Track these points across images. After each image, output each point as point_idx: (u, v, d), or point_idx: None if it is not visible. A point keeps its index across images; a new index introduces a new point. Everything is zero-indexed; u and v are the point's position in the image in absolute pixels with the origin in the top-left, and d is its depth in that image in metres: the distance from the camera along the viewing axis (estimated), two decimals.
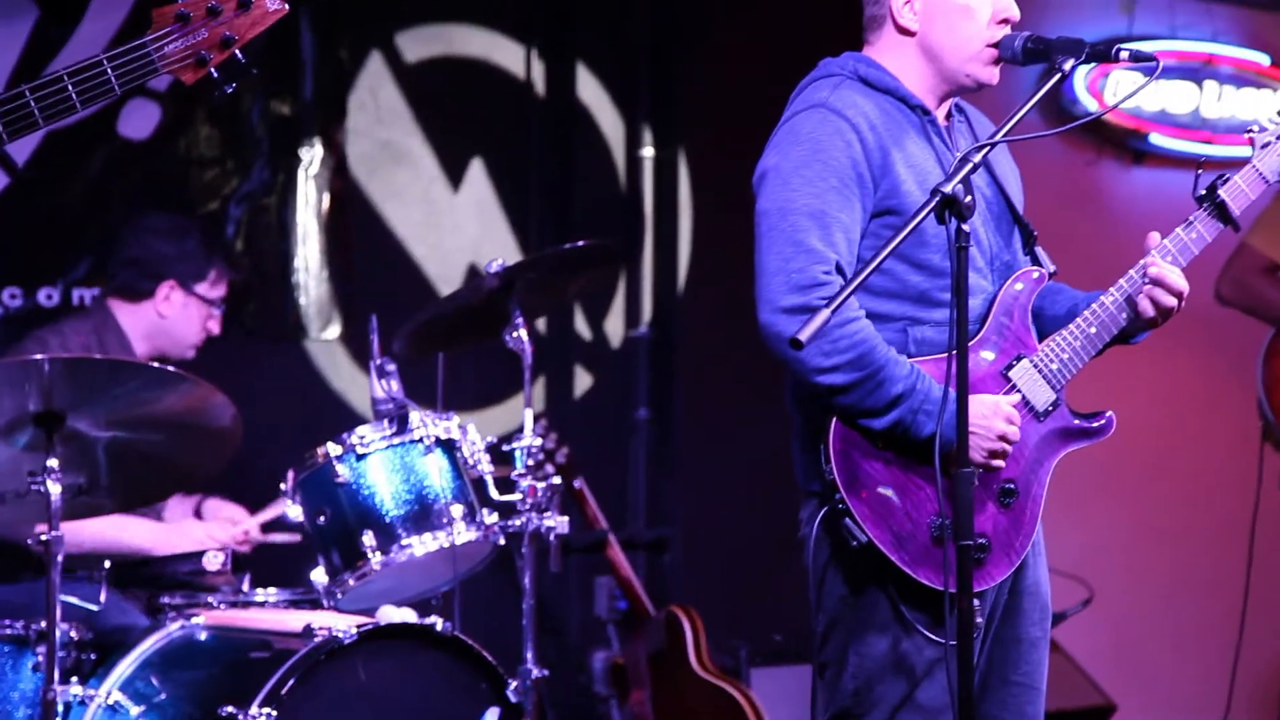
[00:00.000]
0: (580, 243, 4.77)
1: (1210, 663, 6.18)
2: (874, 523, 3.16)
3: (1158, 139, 7.48)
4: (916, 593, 3.19)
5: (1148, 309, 3.26)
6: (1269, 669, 5.75)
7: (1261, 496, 5.21)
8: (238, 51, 2.87)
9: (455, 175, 6.06)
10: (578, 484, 5.59)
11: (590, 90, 6.29)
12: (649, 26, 6.29)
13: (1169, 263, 3.27)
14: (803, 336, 2.92)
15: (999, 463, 3.19)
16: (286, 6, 2.87)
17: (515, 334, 4.47)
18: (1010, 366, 3.27)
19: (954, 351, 3.05)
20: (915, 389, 3.14)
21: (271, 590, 4.46)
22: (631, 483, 6.29)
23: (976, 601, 3.19)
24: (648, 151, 6.34)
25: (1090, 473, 6.77)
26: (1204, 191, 3.30)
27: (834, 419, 3.18)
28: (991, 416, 3.15)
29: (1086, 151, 7.47)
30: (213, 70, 2.90)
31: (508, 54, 6.13)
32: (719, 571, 6.30)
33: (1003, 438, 3.16)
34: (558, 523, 4.38)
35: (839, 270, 3.16)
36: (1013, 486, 3.24)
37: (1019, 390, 3.26)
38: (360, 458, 4.28)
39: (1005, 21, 3.30)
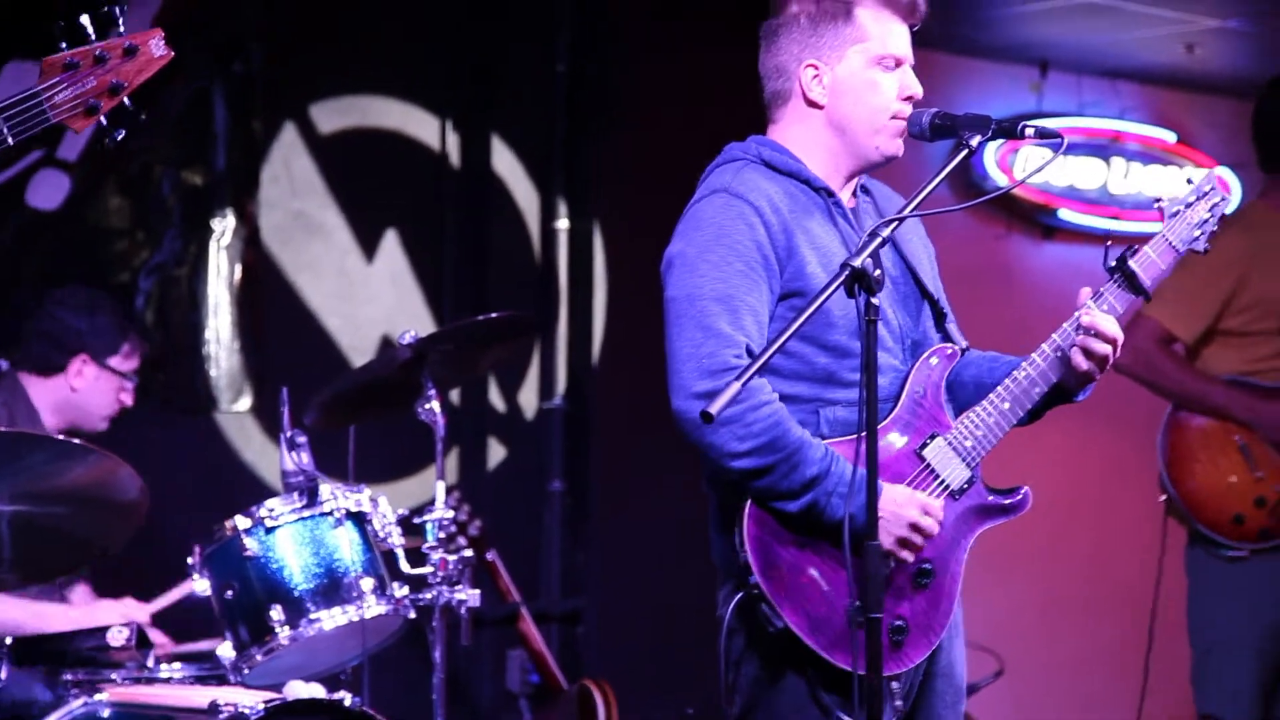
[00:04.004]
0: (494, 314, 4.75)
1: None
2: (790, 607, 3.15)
3: (1067, 214, 7.57)
4: (834, 677, 3.17)
5: (1081, 361, 3.26)
6: None
7: (1164, 569, 5.25)
8: (126, 99, 2.87)
9: (369, 246, 6.05)
10: (490, 556, 5.56)
11: (505, 162, 6.31)
12: (564, 99, 6.32)
13: (1106, 312, 3.28)
14: (713, 410, 2.92)
15: (907, 554, 3.18)
16: (172, 52, 2.88)
17: (428, 406, 4.45)
18: (924, 446, 3.27)
19: (881, 422, 3.07)
20: (830, 471, 3.14)
21: (177, 666, 4.40)
22: (545, 555, 6.27)
23: (896, 684, 3.19)
24: (563, 223, 6.35)
25: (1001, 544, 6.80)
26: (1114, 263, 3.33)
27: (748, 502, 3.17)
28: (905, 506, 3.15)
29: (997, 226, 7.55)
30: (102, 118, 2.91)
31: (423, 126, 6.14)
32: (633, 644, 6.28)
33: (915, 527, 3.16)
34: (469, 596, 4.35)
35: (749, 353, 3.15)
36: (929, 567, 3.24)
37: (933, 469, 3.26)
38: (269, 531, 4.24)
39: (910, 99, 3.32)
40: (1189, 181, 3.45)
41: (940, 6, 3.42)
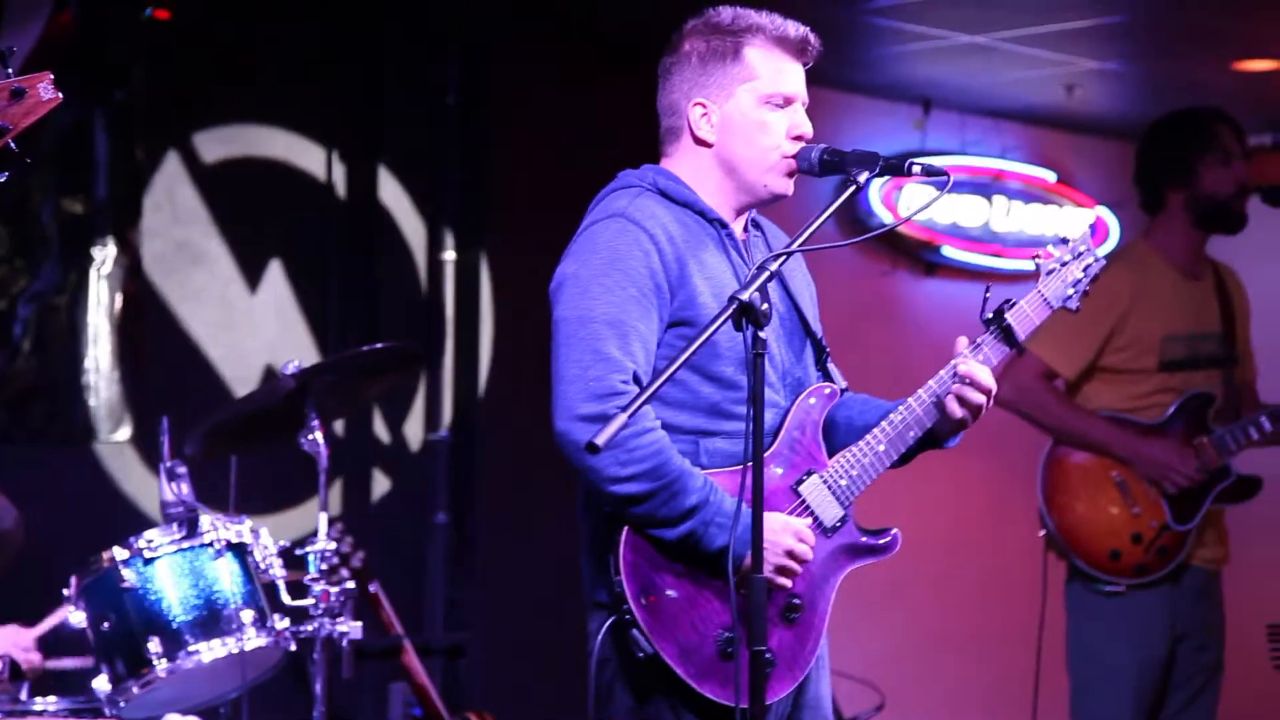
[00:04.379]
0: (379, 345, 4.73)
1: None
2: (660, 634, 3.15)
3: (950, 251, 7.65)
4: (702, 707, 3.18)
5: (956, 409, 3.29)
6: None
7: (1047, 605, 5.30)
8: (11, 142, 2.83)
9: (253, 276, 6.00)
10: (373, 588, 5.51)
11: (392, 193, 6.28)
12: (452, 130, 6.30)
13: (981, 363, 3.32)
14: (599, 441, 2.91)
15: (784, 580, 3.19)
16: (60, 96, 2.84)
17: (311, 436, 4.42)
18: (800, 482, 3.28)
19: (749, 464, 3.06)
20: (709, 501, 3.14)
21: (52, 699, 4.33)
22: (429, 588, 6.23)
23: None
24: (449, 255, 6.33)
25: (883, 579, 6.85)
26: (991, 315, 3.36)
27: (625, 529, 3.17)
28: (781, 533, 3.16)
29: (882, 263, 7.62)
30: None
31: (309, 156, 6.11)
32: (516, 677, 6.25)
33: (791, 554, 3.17)
34: (351, 628, 4.33)
35: (636, 380, 3.16)
36: (798, 602, 3.25)
37: (808, 505, 3.28)
38: (147, 562, 4.19)
39: (799, 138, 3.33)
40: (1064, 241, 3.48)
41: (826, 45, 3.43)
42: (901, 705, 6.75)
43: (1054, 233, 7.70)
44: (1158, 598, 5.17)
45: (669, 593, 3.17)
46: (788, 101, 3.32)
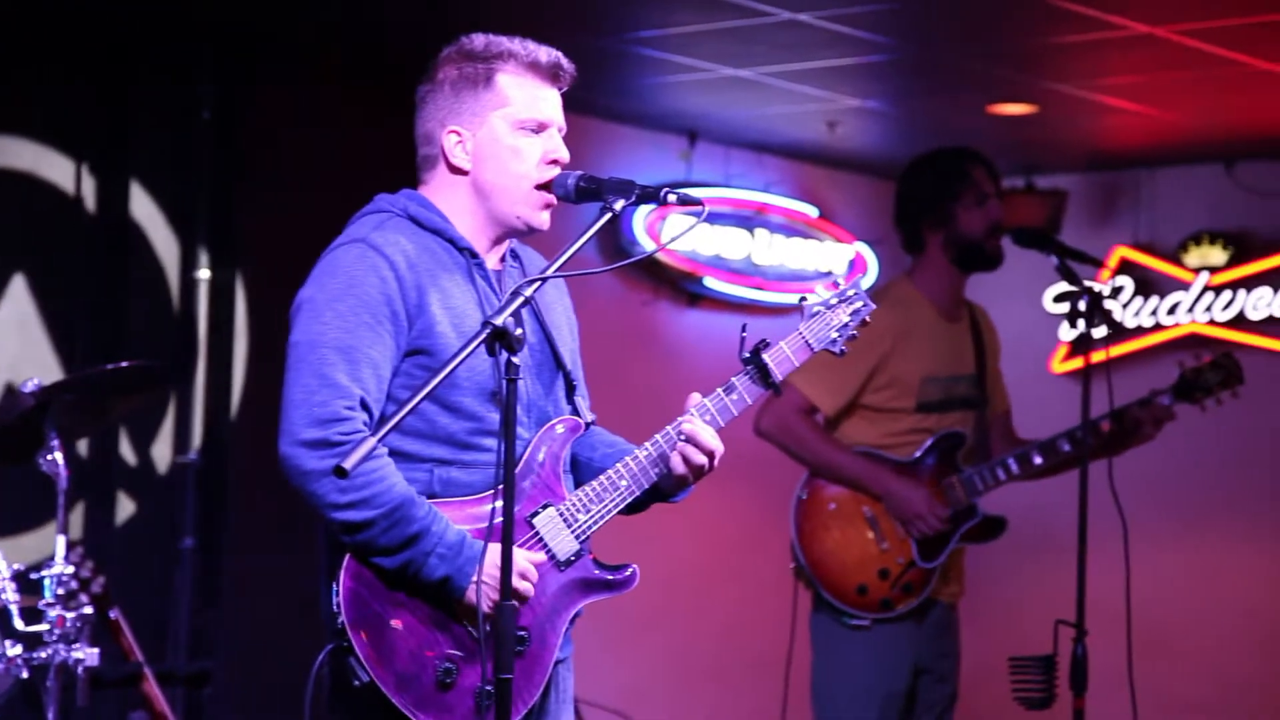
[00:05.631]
0: (124, 364, 4.60)
1: None
2: (377, 663, 3.12)
3: (712, 282, 7.71)
4: None
5: (679, 466, 3.29)
6: None
7: (796, 636, 5.35)
8: None
9: None
10: (114, 614, 5.36)
11: (144, 209, 6.13)
12: (208, 146, 6.17)
13: (707, 422, 3.32)
14: (347, 465, 2.92)
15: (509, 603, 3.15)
16: None
17: (50, 457, 4.31)
18: (536, 514, 3.27)
19: (483, 494, 3.09)
20: (430, 530, 3.13)
21: None
22: (174, 614, 6.08)
23: None
24: (203, 273, 6.20)
25: (636, 607, 6.86)
26: (748, 354, 3.35)
27: (347, 555, 3.15)
28: (498, 567, 3.13)
29: (644, 292, 7.65)
30: None
31: (56, 168, 5.93)
32: (263, 707, 6.12)
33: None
34: (87, 654, 4.23)
35: (364, 406, 3.15)
36: (525, 634, 3.22)
37: (540, 538, 3.26)
38: None
39: (555, 163, 3.32)
40: (836, 284, 3.48)
41: (590, 74, 3.43)
42: None
43: (815, 268, 7.88)
44: (902, 632, 5.24)
45: (389, 621, 3.14)
46: (542, 127, 3.31)
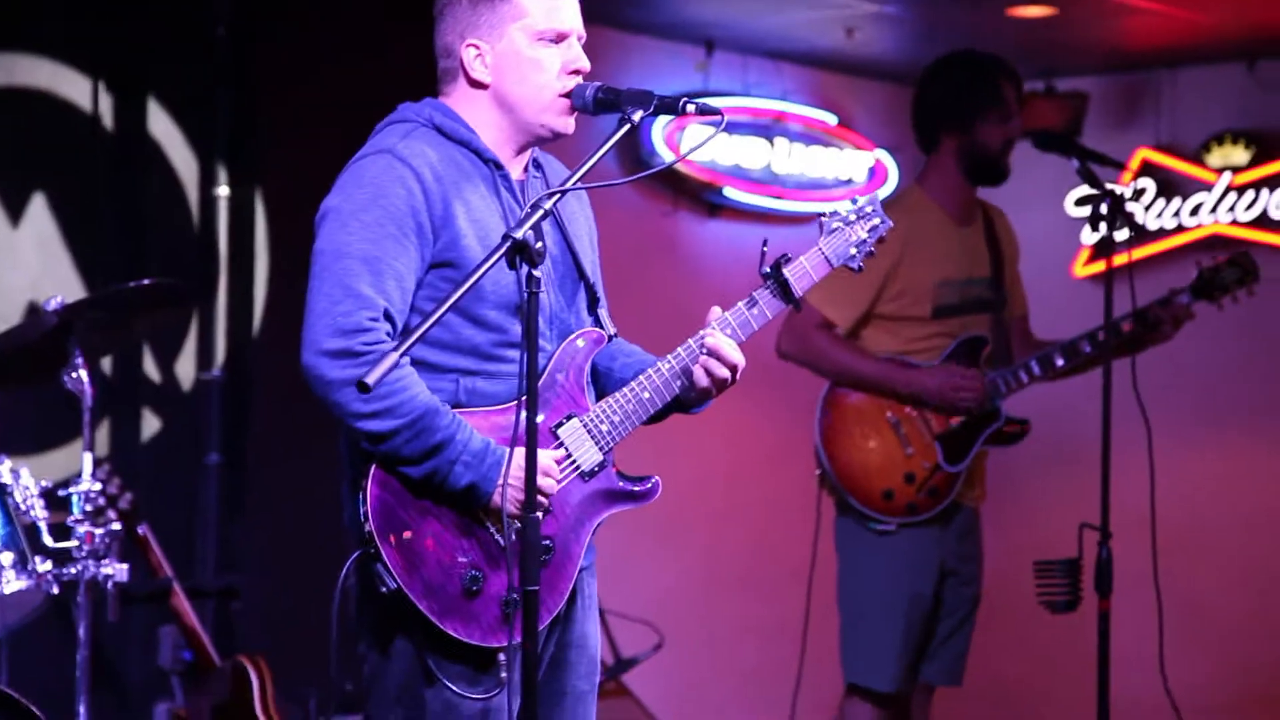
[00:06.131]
0: (147, 281, 4.61)
1: (774, 706, 6.33)
2: (404, 570, 3.16)
3: (732, 192, 7.68)
4: (446, 645, 3.20)
5: (702, 379, 3.32)
6: (824, 714, 5.93)
7: (819, 543, 5.38)
8: None
9: (15, 210, 5.80)
10: (142, 531, 5.41)
11: (162, 126, 6.11)
12: (225, 63, 6.15)
13: (728, 336, 3.34)
14: (370, 380, 2.95)
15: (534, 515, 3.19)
16: None
17: (75, 375, 4.33)
18: (560, 425, 3.29)
19: (509, 404, 3.14)
20: (454, 439, 3.15)
21: None
22: (201, 530, 6.11)
23: (502, 656, 3.21)
24: (223, 190, 6.19)
25: (660, 520, 6.89)
26: (769, 269, 3.38)
27: (374, 464, 3.18)
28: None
29: (664, 203, 7.62)
30: None
31: (73, 86, 5.91)
32: (291, 620, 6.16)
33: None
34: (116, 570, 4.26)
35: (388, 317, 3.17)
36: (549, 544, 3.25)
37: (566, 448, 3.28)
38: None
39: (577, 72, 3.32)
40: (854, 201, 3.50)
41: None
42: (679, 645, 6.81)
43: (835, 176, 7.84)
44: (928, 537, 5.27)
45: (416, 529, 3.18)
46: (561, 37, 3.32)
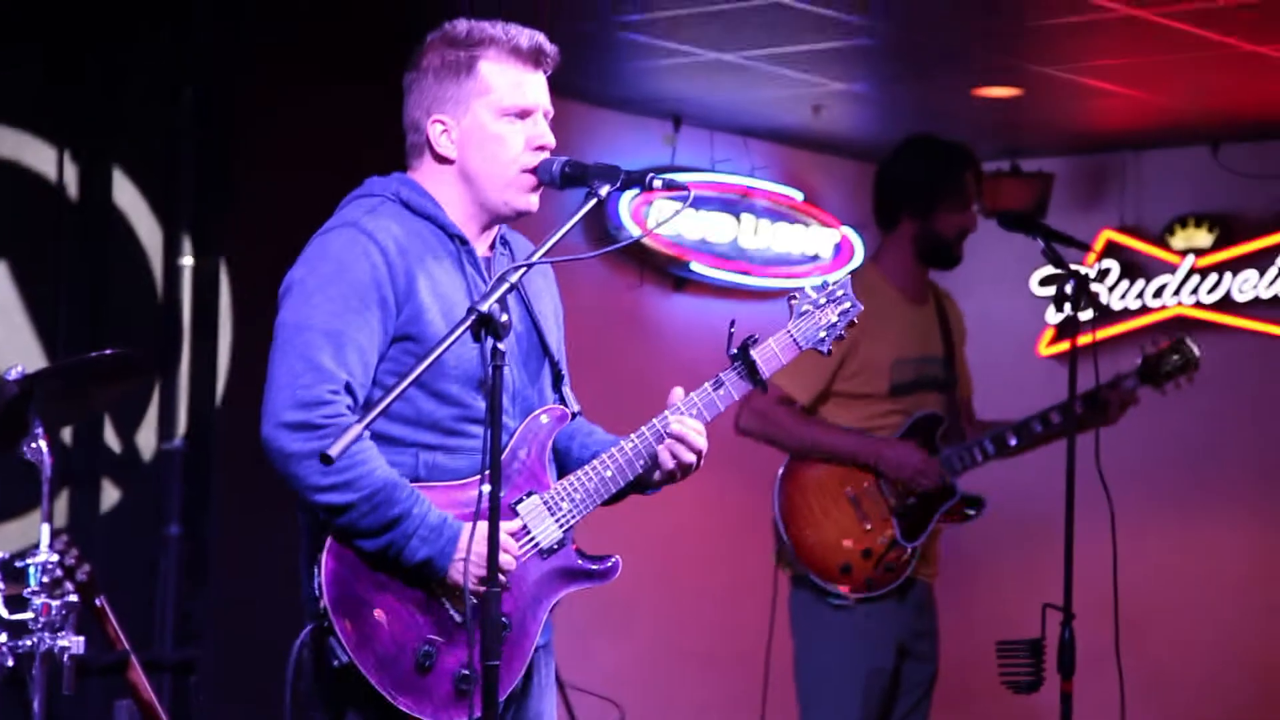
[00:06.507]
0: (109, 351, 4.59)
1: None
2: (356, 644, 3.15)
3: (698, 267, 7.70)
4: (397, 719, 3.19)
5: (667, 461, 3.32)
6: None
7: (776, 618, 5.37)
8: None
9: None
10: (100, 602, 5.34)
11: (127, 195, 6.09)
12: (191, 133, 6.14)
13: (695, 418, 3.33)
14: (333, 452, 2.94)
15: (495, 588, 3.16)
16: None
17: (34, 444, 4.30)
18: (520, 501, 3.28)
19: (468, 480, 3.15)
20: (411, 513, 3.15)
21: None
22: (160, 602, 6.06)
23: None
24: (187, 260, 6.17)
25: (619, 595, 6.85)
26: (736, 350, 3.37)
27: (330, 537, 3.18)
28: (480, 544, 3.13)
29: (630, 277, 7.64)
30: None
31: (38, 154, 5.89)
32: (248, 693, 6.10)
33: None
34: (73, 642, 4.23)
35: (349, 390, 3.17)
36: (505, 621, 3.22)
37: (525, 525, 3.27)
38: None
39: (542, 148, 3.33)
40: (825, 283, 3.47)
41: (574, 58, 3.44)
42: (641, 719, 6.76)
43: (801, 252, 7.86)
44: (885, 611, 5.28)
45: (370, 603, 3.17)
46: (525, 113, 3.32)
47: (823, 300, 3.44)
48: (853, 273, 5.49)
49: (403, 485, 3.17)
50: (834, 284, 3.47)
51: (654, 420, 3.33)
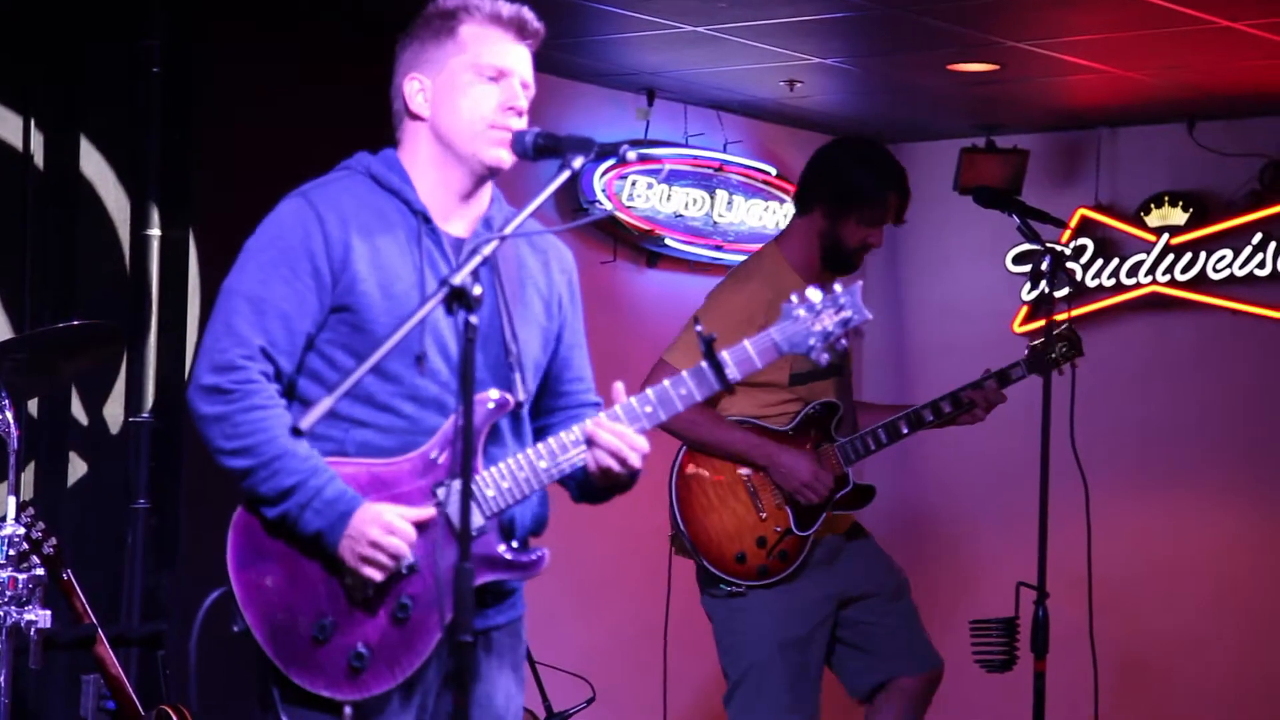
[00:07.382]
0: (75, 322, 4.55)
1: None
2: (254, 611, 3.18)
3: (672, 242, 7.66)
4: (289, 690, 3.21)
5: (592, 465, 3.28)
6: None
7: (671, 604, 5.39)
8: None
9: None
10: (66, 576, 5.31)
11: (94, 166, 6.03)
12: (158, 102, 6.07)
13: (649, 414, 3.27)
14: (303, 425, 3.00)
15: (371, 572, 3.17)
16: None
17: (1, 416, 4.28)
18: (440, 484, 3.23)
19: (393, 461, 3.19)
20: (307, 484, 3.15)
21: None
22: (127, 576, 6.01)
23: (349, 709, 3.18)
24: (155, 231, 6.10)
25: (592, 574, 6.83)
26: (702, 348, 3.27)
27: (241, 503, 3.23)
28: (369, 524, 3.15)
29: (604, 252, 7.60)
30: None
31: (4, 123, 5.83)
32: (216, 667, 6.06)
33: (375, 544, 3.14)
34: (39, 616, 4.23)
35: (267, 356, 3.19)
36: (408, 603, 3.21)
37: (444, 509, 3.22)
38: None
39: (513, 109, 3.31)
40: (833, 289, 3.32)
41: (548, 29, 3.44)
42: (613, 698, 6.74)
43: (774, 226, 7.83)
44: (795, 586, 5.27)
45: (271, 571, 3.19)
46: (500, 75, 3.32)
47: (820, 306, 3.31)
48: (756, 258, 5.45)
49: (303, 455, 3.16)
50: (840, 291, 3.33)
51: (587, 419, 3.28)
